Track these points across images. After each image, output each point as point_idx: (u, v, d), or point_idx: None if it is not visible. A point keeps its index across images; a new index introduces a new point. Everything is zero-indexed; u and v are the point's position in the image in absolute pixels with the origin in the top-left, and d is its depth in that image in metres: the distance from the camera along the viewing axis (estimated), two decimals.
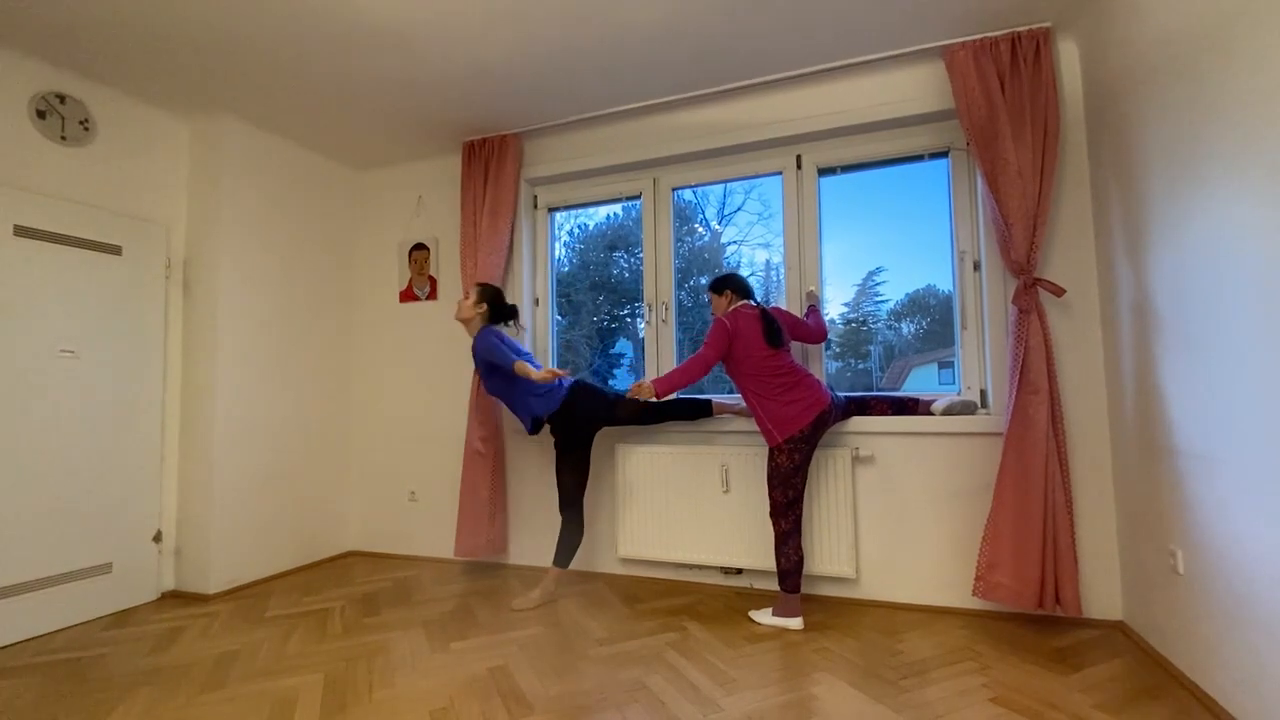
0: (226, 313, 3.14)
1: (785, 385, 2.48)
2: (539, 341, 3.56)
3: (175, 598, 3.04)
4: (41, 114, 2.66)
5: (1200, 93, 1.75)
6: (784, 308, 2.93)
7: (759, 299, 2.69)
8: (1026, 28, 2.49)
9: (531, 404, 2.80)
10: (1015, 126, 2.45)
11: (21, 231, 2.56)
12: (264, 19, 2.41)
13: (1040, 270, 2.52)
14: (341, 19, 2.42)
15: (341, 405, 3.85)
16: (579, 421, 2.84)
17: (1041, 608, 2.34)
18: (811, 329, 2.76)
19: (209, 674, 2.19)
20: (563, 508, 2.87)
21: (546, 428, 2.87)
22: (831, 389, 2.63)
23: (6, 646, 2.46)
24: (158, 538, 3.03)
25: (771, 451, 2.48)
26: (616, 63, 2.77)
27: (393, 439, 3.81)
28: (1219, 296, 1.71)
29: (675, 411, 2.91)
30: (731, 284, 2.67)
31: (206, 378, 3.10)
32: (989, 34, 2.53)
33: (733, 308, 2.59)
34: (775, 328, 2.51)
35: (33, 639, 2.54)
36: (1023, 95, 2.45)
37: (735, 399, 2.94)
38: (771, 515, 2.52)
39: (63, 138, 2.73)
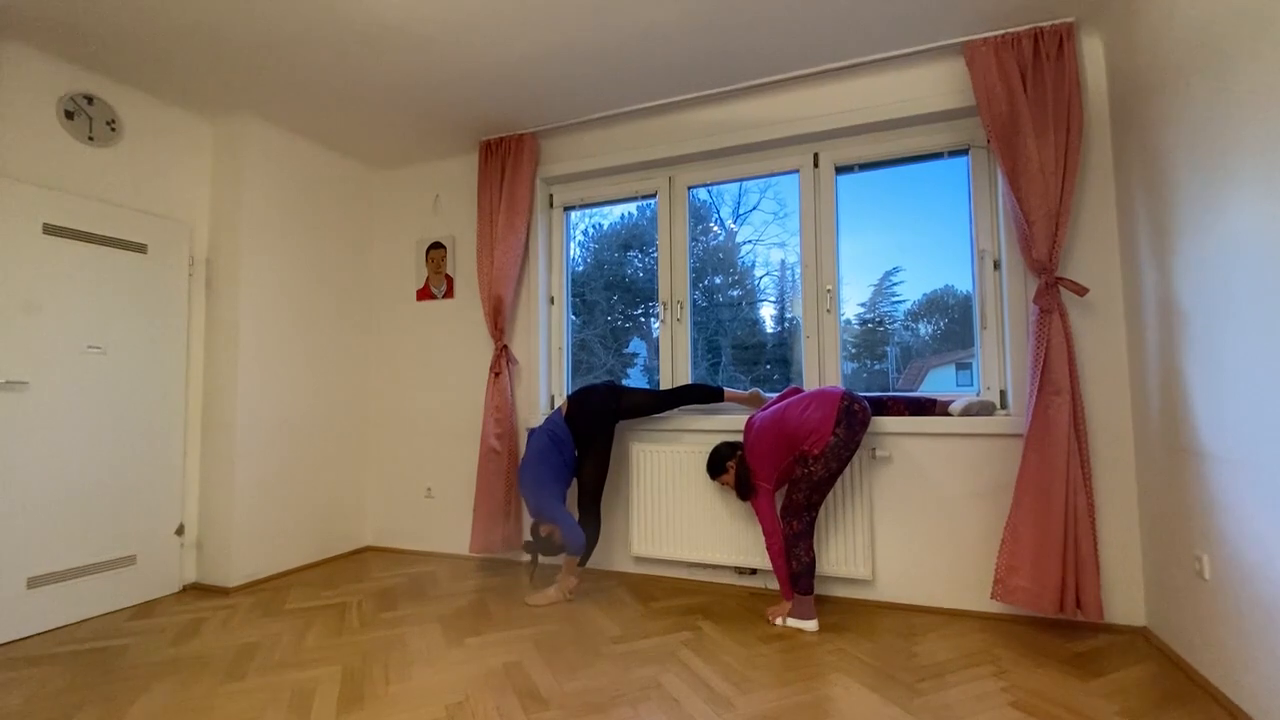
0: (247, 310, 3.19)
1: (800, 404, 2.51)
2: (554, 341, 3.58)
3: (196, 590, 3.09)
4: (70, 115, 2.72)
5: (1228, 87, 1.71)
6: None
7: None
8: (1049, 23, 2.45)
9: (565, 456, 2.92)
10: (1037, 123, 2.41)
11: (50, 230, 2.61)
12: (285, 21, 2.44)
13: (1062, 269, 2.48)
14: (361, 20, 2.44)
15: (359, 402, 3.89)
16: (589, 422, 2.89)
17: (1062, 612, 2.30)
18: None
19: (229, 665, 2.22)
20: (581, 504, 2.90)
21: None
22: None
23: (34, 636, 2.52)
24: (180, 531, 3.08)
25: (807, 459, 2.43)
26: (633, 62, 2.77)
27: (409, 436, 3.84)
28: (1247, 296, 1.68)
29: (687, 397, 2.93)
30: (719, 458, 2.70)
31: (228, 374, 3.15)
32: (1011, 29, 2.49)
33: (734, 469, 2.63)
34: (747, 479, 2.57)
35: (59, 628, 2.60)
36: (1045, 91, 2.42)
37: (747, 391, 2.94)
38: (783, 514, 2.50)
39: (90, 138, 2.78)
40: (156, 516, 2.98)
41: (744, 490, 2.61)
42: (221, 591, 3.05)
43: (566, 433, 2.89)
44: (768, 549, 2.54)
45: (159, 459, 3.00)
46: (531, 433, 2.97)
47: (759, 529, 2.77)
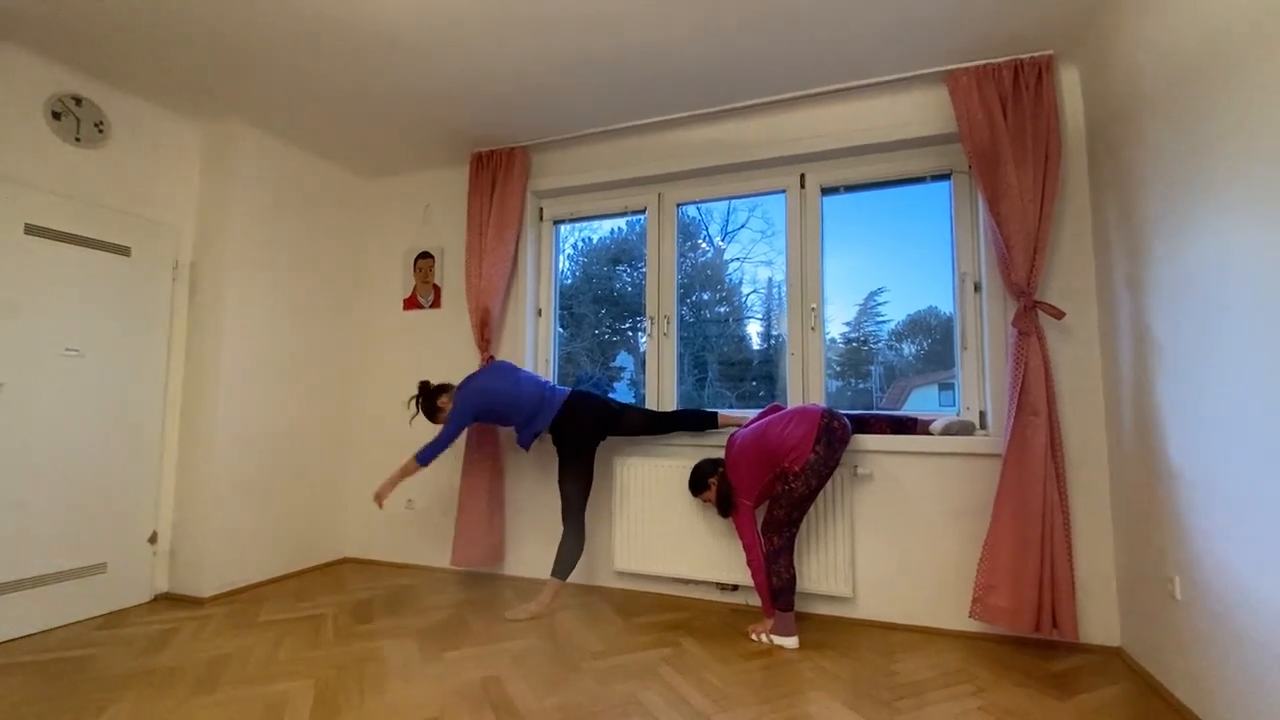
0: (231, 316, 3.16)
1: (781, 421, 2.53)
2: (541, 353, 3.58)
3: (169, 600, 3.02)
4: (57, 115, 2.70)
5: (1200, 119, 1.77)
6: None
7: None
8: (1029, 55, 2.53)
9: (530, 424, 2.85)
10: (1017, 151, 2.48)
11: (32, 230, 2.58)
12: (278, 27, 2.45)
13: (1040, 293, 2.54)
14: (355, 29, 2.46)
15: (342, 411, 3.85)
16: (582, 431, 2.86)
17: (1038, 631, 2.32)
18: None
19: (200, 677, 2.17)
20: (565, 518, 2.87)
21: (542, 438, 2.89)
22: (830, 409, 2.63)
23: None
24: (153, 539, 3.02)
25: (787, 476, 2.44)
26: (625, 80, 2.81)
27: (391, 445, 3.79)
28: (1217, 321, 1.73)
29: (682, 422, 2.93)
30: (701, 475, 2.71)
31: (209, 380, 3.11)
32: (992, 60, 2.57)
33: (716, 486, 2.65)
34: (728, 496, 2.59)
35: (25, 637, 2.52)
36: (1024, 121, 2.49)
37: (740, 413, 2.96)
38: (764, 530, 2.51)
39: (77, 139, 2.76)
40: (129, 523, 2.92)
41: (725, 507, 2.62)
42: (194, 601, 2.98)
43: (550, 417, 2.84)
44: (748, 565, 2.54)
45: (134, 465, 2.94)
46: (525, 374, 2.96)
47: (741, 545, 2.78)
